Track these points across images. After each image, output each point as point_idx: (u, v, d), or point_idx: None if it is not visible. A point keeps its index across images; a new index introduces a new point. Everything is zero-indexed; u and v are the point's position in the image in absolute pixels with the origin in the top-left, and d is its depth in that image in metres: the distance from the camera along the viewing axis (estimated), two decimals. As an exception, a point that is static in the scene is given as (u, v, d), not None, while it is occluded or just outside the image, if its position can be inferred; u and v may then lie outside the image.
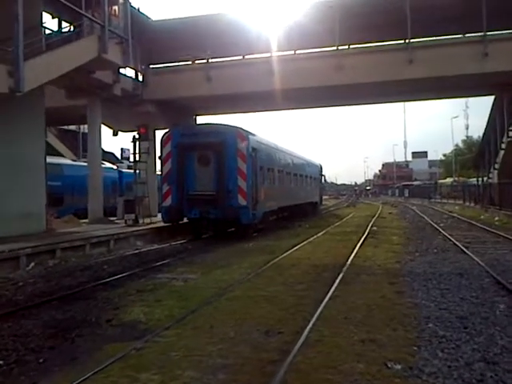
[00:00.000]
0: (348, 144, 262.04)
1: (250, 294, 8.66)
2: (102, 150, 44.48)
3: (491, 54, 19.44)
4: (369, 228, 21.75)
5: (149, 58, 23.08)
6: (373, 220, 27.15)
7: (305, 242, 16.78)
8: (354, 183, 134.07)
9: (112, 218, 21.16)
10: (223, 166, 17.85)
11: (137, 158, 20.82)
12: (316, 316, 6.98)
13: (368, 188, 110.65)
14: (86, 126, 38.74)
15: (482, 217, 28.52)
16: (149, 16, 22.36)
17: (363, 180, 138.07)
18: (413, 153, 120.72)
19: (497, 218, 25.97)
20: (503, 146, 29.03)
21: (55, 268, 12.32)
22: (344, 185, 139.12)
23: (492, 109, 30.12)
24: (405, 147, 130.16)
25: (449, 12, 19.59)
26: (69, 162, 31.63)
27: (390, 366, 5.13)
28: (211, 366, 5.19)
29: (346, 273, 10.51)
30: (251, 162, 18.31)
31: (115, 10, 17.92)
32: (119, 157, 32.06)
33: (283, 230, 22.27)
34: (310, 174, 34.29)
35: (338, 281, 9.56)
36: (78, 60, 15.95)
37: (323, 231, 20.95)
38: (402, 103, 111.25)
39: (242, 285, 9.50)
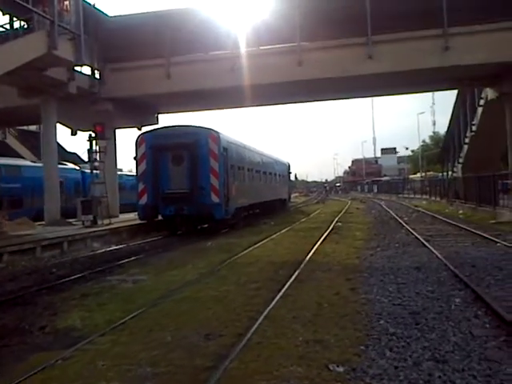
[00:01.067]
0: (318, 141, 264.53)
1: (199, 294, 8.27)
2: (65, 150, 43.66)
3: (452, 48, 19.42)
4: (333, 224, 21.57)
5: (106, 55, 22.29)
6: (339, 216, 27.02)
7: (267, 239, 16.47)
8: (324, 180, 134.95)
9: (70, 220, 20.41)
10: (196, 165, 18.49)
11: (96, 157, 20.11)
12: (263, 316, 6.63)
13: (338, 185, 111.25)
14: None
15: (446, 210, 28.73)
16: (105, 12, 21.64)
17: (334, 177, 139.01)
18: (382, 149, 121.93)
19: (461, 212, 26.14)
20: (467, 140, 29.36)
21: (0, 273, 11.67)
22: (315, 182, 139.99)
23: (455, 103, 30.45)
24: (374, 144, 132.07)
25: (410, 7, 19.48)
26: (28, 163, 30.61)
27: (331, 368, 4.80)
28: (139, 376, 4.78)
29: (302, 270, 10.21)
30: (223, 160, 19.02)
31: (66, 5, 17.22)
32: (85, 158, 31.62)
33: (247, 227, 21.89)
34: (278, 172, 35.11)
35: (292, 278, 9.25)
36: (24, 57, 15.27)
37: (287, 228, 20.68)
38: (370, 100, 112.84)
39: (192, 285, 9.11)
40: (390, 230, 18.76)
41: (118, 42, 22.01)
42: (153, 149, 18.83)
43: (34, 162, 32.89)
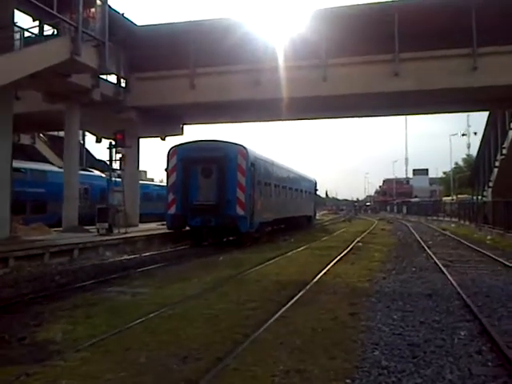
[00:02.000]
0: (349, 159, 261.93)
1: (193, 312, 7.93)
2: (94, 157, 44.17)
3: (480, 68, 18.79)
4: (353, 244, 21.03)
5: (133, 64, 22.48)
6: (362, 236, 26.41)
7: (281, 257, 16.09)
8: (356, 199, 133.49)
9: (88, 227, 20.39)
10: (224, 179, 19.15)
11: (115, 166, 20.13)
12: (249, 340, 6.25)
13: (368, 204, 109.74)
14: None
15: (474, 235, 27.77)
16: (133, 21, 21.79)
17: (364, 196, 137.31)
18: (414, 170, 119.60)
19: (489, 237, 25.19)
20: (497, 163, 28.38)
21: (3, 278, 11.59)
22: (346, 200, 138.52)
23: (486, 125, 29.55)
24: (406, 164, 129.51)
25: (438, 27, 19.01)
26: (55, 168, 30.99)
27: (304, 404, 4.38)
28: (97, 399, 4.45)
29: (307, 291, 9.79)
30: (250, 175, 19.67)
31: (93, 13, 17.36)
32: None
33: (267, 243, 21.51)
34: (304, 189, 35.17)
35: (294, 300, 8.85)
36: (47, 61, 15.36)
37: (306, 246, 20.21)
38: (403, 119, 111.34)
39: (190, 301, 8.79)
40: (411, 253, 18.11)
41: (144, 52, 22.19)
42: (183, 161, 19.54)
43: (61, 167, 33.46)
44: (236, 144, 20.31)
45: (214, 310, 8.01)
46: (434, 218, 52.73)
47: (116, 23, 20.87)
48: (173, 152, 20.14)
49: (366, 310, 8.29)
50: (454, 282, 10.81)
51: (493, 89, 19.25)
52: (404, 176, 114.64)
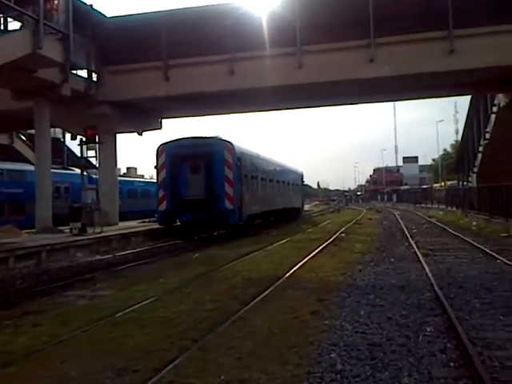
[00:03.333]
0: (339, 149, 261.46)
1: (148, 316, 7.45)
2: (75, 155, 43.40)
3: (457, 51, 18.30)
4: (337, 235, 20.63)
5: (105, 57, 21.81)
6: (347, 226, 26.05)
7: (259, 251, 15.65)
8: (347, 189, 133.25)
9: (62, 228, 19.79)
10: (212, 174, 19.68)
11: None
12: (198, 346, 5.79)
13: (358, 193, 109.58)
14: (57, 130, 37.87)
15: (461, 222, 27.56)
16: (103, 13, 21.13)
17: (356, 185, 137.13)
18: (404, 158, 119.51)
19: (475, 223, 24.91)
20: (480, 148, 28.05)
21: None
22: (337, 190, 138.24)
23: (469, 110, 29.18)
24: (395, 152, 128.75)
25: (413, 10, 18.54)
26: (33, 168, 30.31)
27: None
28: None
29: (276, 287, 9.35)
30: (237, 170, 20.22)
31: (55, 4, 16.69)
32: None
33: (247, 237, 21.07)
34: (291, 181, 35.63)
35: (259, 298, 8.40)
36: (8, 55, 14.74)
37: (287, 238, 19.77)
38: (391, 107, 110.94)
39: (148, 304, 8.31)
40: (393, 242, 17.77)
41: (116, 44, 21.62)
42: (172, 158, 20.01)
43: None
44: (222, 140, 21.00)
45: (170, 313, 7.54)
46: (424, 205, 52.50)
47: (84, 15, 20.23)
48: (161, 149, 20.51)
49: (334, 307, 7.86)
50: (429, 272, 10.41)
51: (471, 72, 18.79)
52: (394, 164, 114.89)
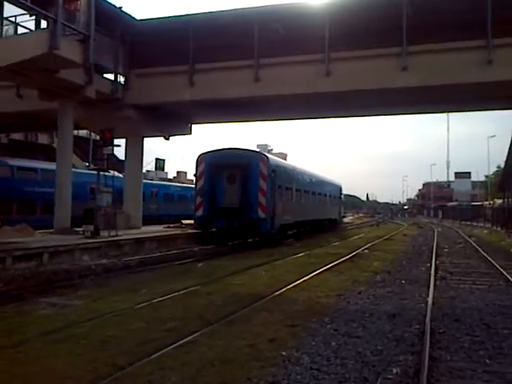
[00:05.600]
0: (389, 162, 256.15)
1: (96, 333, 6.89)
2: (116, 158, 44.05)
3: (496, 61, 16.93)
4: (359, 250, 19.63)
5: (133, 60, 21.60)
6: (375, 242, 24.90)
7: (266, 264, 14.92)
8: (398, 202, 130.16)
9: (79, 229, 19.65)
10: (247, 184, 20.64)
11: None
12: (114, 376, 5.15)
13: (405, 208, 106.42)
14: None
15: (502, 243, 25.78)
16: (133, 16, 21.00)
17: (404, 199, 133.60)
18: (455, 173, 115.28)
19: (516, 245, 23.20)
20: (527, 165, 26.16)
21: None
22: (386, 203, 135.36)
23: (516, 124, 27.24)
24: (447, 167, 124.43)
25: (450, 17, 17.39)
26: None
27: None
28: None
29: (254, 307, 8.61)
30: (270, 181, 21.00)
31: (76, 5, 16.61)
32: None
33: (269, 248, 20.40)
34: (328, 193, 36.23)
35: (228, 319, 7.70)
36: (23, 53, 14.67)
37: (306, 252, 18.97)
38: (445, 120, 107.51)
39: (108, 318, 7.78)
40: (415, 262, 16.61)
41: (143, 47, 21.43)
42: (210, 167, 21.11)
43: (77, 168, 33.08)
44: (258, 152, 23.18)
45: (121, 331, 6.95)
46: (470, 223, 50.07)
47: (113, 18, 20.20)
48: (201, 159, 21.61)
49: (305, 334, 7.06)
50: (430, 300, 9.38)
51: (509, 84, 17.35)
52: (445, 179, 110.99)
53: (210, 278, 12.08)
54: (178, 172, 73.36)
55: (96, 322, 7.55)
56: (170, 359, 5.73)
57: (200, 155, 21.82)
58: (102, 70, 20.60)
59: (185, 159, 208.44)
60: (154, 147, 59.46)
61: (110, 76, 21.77)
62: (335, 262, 15.39)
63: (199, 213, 21.40)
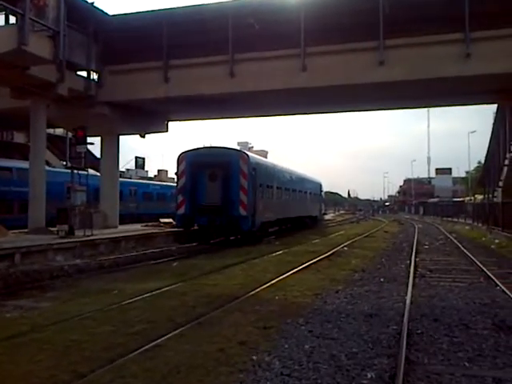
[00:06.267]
0: (370, 158, 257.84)
1: (58, 337, 6.58)
2: (94, 156, 43.40)
3: (474, 54, 16.85)
4: (338, 248, 19.40)
5: (106, 57, 21.13)
6: (355, 239, 24.73)
7: (243, 263, 14.67)
8: (379, 199, 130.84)
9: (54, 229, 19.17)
10: (228, 182, 20.77)
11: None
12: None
13: (387, 204, 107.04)
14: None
15: (483, 239, 25.83)
16: (105, 11, 20.52)
17: (386, 196, 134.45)
18: (436, 169, 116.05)
19: (497, 241, 23.27)
20: (506, 162, 26.30)
21: None
22: (367, 200, 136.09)
23: (495, 121, 27.43)
24: (428, 163, 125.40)
25: (428, 11, 17.30)
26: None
27: None
28: None
29: (226, 308, 8.35)
30: (251, 179, 21.12)
31: (46, 0, 16.11)
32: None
33: (245, 247, 20.16)
34: (309, 190, 36.44)
35: (198, 321, 7.44)
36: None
37: (285, 249, 18.75)
38: (426, 118, 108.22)
39: (74, 322, 7.48)
40: (395, 260, 16.45)
41: (116, 43, 20.97)
42: (192, 166, 21.18)
43: (54, 166, 32.42)
44: (239, 151, 23.18)
45: (86, 335, 6.65)
46: (450, 219, 50.33)
47: (85, 13, 19.75)
48: (182, 157, 21.68)
49: (278, 337, 6.82)
50: (409, 299, 9.21)
51: (489, 78, 17.25)
52: (426, 176, 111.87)
53: (184, 277, 11.79)
54: (158, 170, 72.83)
55: (62, 325, 7.26)
56: (134, 365, 5.45)
57: (181, 154, 21.87)
58: (74, 67, 20.07)
59: (165, 157, 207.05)
60: (134, 145, 58.88)
61: (84, 73, 21.22)
62: (313, 260, 15.16)
63: (181, 211, 21.41)
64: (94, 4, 19.84)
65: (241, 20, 18.81)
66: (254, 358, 5.87)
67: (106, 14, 20.53)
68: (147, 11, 20.88)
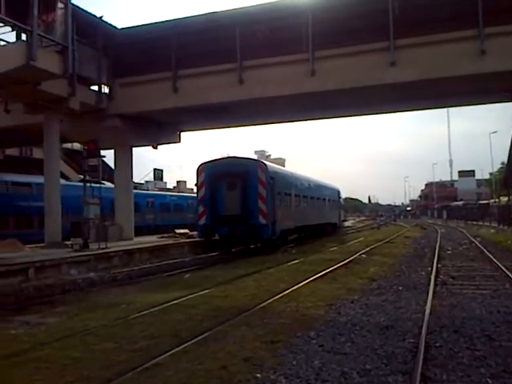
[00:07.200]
0: (390, 162, 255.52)
1: (59, 354, 6.40)
2: (111, 168, 43.59)
3: (489, 51, 16.36)
4: (356, 255, 18.94)
5: (117, 70, 21.22)
6: (375, 245, 24.19)
7: (257, 273, 14.38)
8: (401, 204, 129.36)
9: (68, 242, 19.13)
10: (247, 192, 20.93)
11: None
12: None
13: (408, 209, 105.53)
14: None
15: (509, 242, 25.00)
16: (114, 25, 20.62)
17: (407, 201, 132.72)
18: (459, 171, 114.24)
19: (523, 244, 22.55)
20: (529, 161, 25.51)
21: None
22: (389, 205, 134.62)
23: (515, 120, 26.60)
24: (450, 166, 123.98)
25: (438, 10, 16.90)
26: (63, 182, 30.12)
27: None
28: None
29: (233, 322, 8.05)
30: (270, 188, 21.32)
31: (53, 16, 16.20)
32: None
33: (260, 256, 19.89)
34: (327, 197, 36.53)
35: (202, 336, 7.15)
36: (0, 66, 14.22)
37: (301, 258, 18.33)
38: (444, 120, 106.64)
39: (77, 338, 7.27)
40: (416, 266, 15.95)
41: (126, 56, 21.18)
42: (211, 177, 21.45)
43: (71, 181, 32.56)
44: (256, 160, 23.87)
45: (87, 353, 6.45)
46: (479, 223, 49.04)
47: (94, 28, 19.85)
48: (201, 169, 21.96)
49: (286, 352, 6.47)
50: (428, 308, 8.77)
51: (507, 74, 16.69)
52: (449, 179, 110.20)
53: (195, 289, 11.47)
54: (177, 181, 73.08)
55: (64, 342, 7.07)
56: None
57: (200, 165, 22.11)
58: (85, 81, 20.18)
59: (184, 168, 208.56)
60: (153, 157, 59.17)
61: (95, 87, 21.30)
62: (330, 269, 14.77)
63: (202, 221, 21.62)
64: (103, 18, 19.92)
65: (248, 27, 18.77)
66: (259, 375, 5.56)
67: (115, 27, 20.66)
68: (155, 23, 20.86)
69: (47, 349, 6.68)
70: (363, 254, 19.87)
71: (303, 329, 7.65)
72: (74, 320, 8.69)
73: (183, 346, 6.61)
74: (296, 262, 17.44)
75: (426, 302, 9.48)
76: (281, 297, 10.31)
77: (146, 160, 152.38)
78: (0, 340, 7.41)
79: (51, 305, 10.36)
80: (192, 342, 6.85)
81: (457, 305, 9.33)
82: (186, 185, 68.41)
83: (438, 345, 6.69)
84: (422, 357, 5.96)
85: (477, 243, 24.99)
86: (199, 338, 7.05)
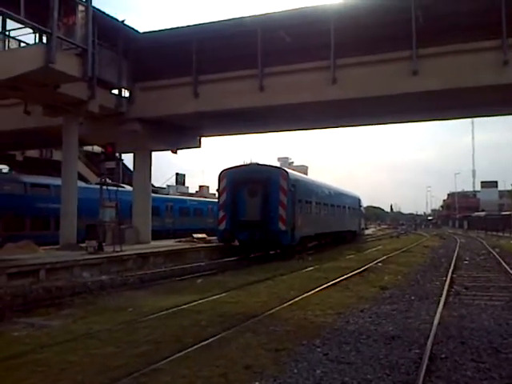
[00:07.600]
0: (413, 172, 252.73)
1: (57, 358, 6.38)
2: (130, 171, 43.81)
3: (512, 61, 16.09)
4: (372, 264, 18.70)
5: (136, 73, 21.36)
6: (392, 254, 23.88)
7: (269, 280, 14.23)
8: (422, 213, 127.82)
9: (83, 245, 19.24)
10: (268, 198, 21.06)
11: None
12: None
13: (430, 218, 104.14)
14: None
15: (530, 254, 24.44)
16: (135, 29, 20.76)
17: (429, 210, 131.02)
18: (482, 182, 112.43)
19: (542, 257, 21.97)
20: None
21: None
22: (411, 214, 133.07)
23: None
24: (473, 176, 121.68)
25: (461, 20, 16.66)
26: (82, 184, 30.40)
27: None
28: None
29: (239, 328, 7.95)
30: (291, 195, 21.36)
31: (73, 19, 16.38)
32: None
33: (274, 262, 19.76)
34: (347, 205, 36.42)
35: (206, 342, 7.06)
36: (18, 68, 14.40)
37: (316, 266, 18.16)
38: (468, 130, 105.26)
39: (79, 341, 7.25)
40: (431, 276, 15.66)
41: (147, 60, 21.20)
42: (232, 183, 21.63)
43: (90, 183, 32.86)
44: (278, 168, 23.71)
45: (86, 357, 6.41)
46: (499, 234, 48.19)
47: (116, 31, 20.00)
48: (223, 175, 22.16)
49: (290, 360, 6.38)
50: (436, 319, 8.56)
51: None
52: (471, 189, 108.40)
53: (205, 294, 11.41)
54: (200, 186, 73.28)
55: (65, 345, 7.03)
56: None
57: (222, 171, 22.32)
58: (105, 85, 20.33)
59: (206, 173, 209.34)
60: (175, 162, 59.46)
61: (115, 90, 21.46)
62: (344, 277, 14.59)
63: (222, 226, 21.77)
64: (125, 22, 20.08)
65: (269, 34, 18.70)
66: (257, 383, 5.45)
67: (137, 31, 20.77)
68: (176, 27, 20.91)
69: (46, 352, 6.65)
70: (379, 262, 19.61)
71: (309, 337, 7.53)
72: (79, 323, 8.66)
73: (185, 352, 6.54)
74: (311, 269, 17.28)
75: (435, 313, 9.28)
76: (290, 304, 10.20)
77: (168, 164, 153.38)
78: (1, 342, 7.41)
79: (58, 307, 10.34)
80: (194, 347, 6.77)
81: (466, 315, 9.13)
82: (208, 190, 68.64)
83: (443, 356, 6.55)
84: (425, 368, 5.80)
85: (495, 254, 24.47)
86: (202, 343, 6.96)
